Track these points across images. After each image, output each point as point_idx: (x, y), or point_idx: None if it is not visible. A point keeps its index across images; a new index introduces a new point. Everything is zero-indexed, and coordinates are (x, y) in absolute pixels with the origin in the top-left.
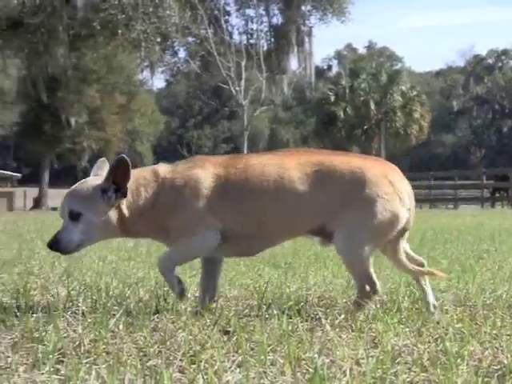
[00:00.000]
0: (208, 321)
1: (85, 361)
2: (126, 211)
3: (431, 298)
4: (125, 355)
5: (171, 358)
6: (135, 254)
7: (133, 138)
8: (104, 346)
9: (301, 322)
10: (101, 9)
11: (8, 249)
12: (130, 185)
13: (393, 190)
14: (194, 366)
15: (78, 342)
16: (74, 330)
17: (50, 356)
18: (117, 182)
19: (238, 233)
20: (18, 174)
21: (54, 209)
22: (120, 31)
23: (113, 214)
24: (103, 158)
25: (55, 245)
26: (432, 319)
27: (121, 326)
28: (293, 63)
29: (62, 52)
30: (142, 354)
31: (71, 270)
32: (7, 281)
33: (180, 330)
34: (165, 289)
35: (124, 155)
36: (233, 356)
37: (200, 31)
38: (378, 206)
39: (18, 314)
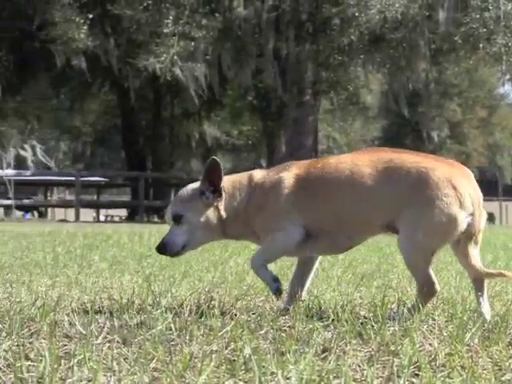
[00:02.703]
0: None
1: (439, 374)
2: (223, 213)
3: (485, 309)
4: (479, 369)
5: None
6: (494, 269)
7: (493, 151)
8: (459, 360)
9: None
10: (462, 23)
11: (368, 262)
12: (228, 188)
13: (454, 193)
14: None
15: (433, 356)
16: (430, 344)
17: (405, 370)
18: (212, 182)
19: (321, 229)
20: None
21: None
22: (481, 45)
23: (212, 215)
24: None
25: (162, 248)
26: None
27: (476, 340)
28: None
29: (424, 67)
30: (497, 368)
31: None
32: (365, 294)
33: None
34: None
35: (215, 157)
36: None
37: None
38: (435, 207)
39: (374, 327)
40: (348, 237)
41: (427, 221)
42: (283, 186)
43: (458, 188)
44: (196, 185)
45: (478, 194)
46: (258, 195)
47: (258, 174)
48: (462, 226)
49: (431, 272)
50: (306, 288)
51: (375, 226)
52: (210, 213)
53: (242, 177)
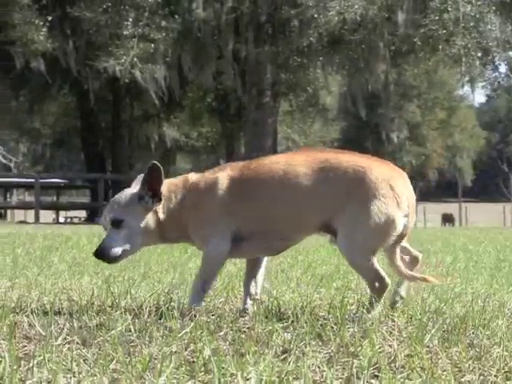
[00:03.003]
0: None
1: (399, 376)
2: (162, 216)
3: (403, 290)
4: (439, 370)
5: (485, 374)
6: (453, 270)
7: (453, 153)
8: (418, 362)
9: None
10: (421, 24)
11: (327, 263)
12: (164, 192)
13: (392, 194)
14: (508, 382)
15: (392, 357)
16: (390, 345)
17: (365, 371)
18: (151, 187)
19: (255, 231)
20: None
21: None
22: (440, 47)
23: (151, 220)
24: (142, 174)
25: (100, 253)
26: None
27: (436, 342)
28: None
29: (383, 68)
30: (456, 369)
31: None
32: (325, 295)
33: (495, 346)
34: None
35: (156, 162)
36: None
37: None
38: (373, 206)
39: (334, 328)
40: (283, 238)
41: (365, 220)
42: (217, 188)
43: (396, 189)
44: (133, 190)
45: (412, 196)
46: (192, 196)
47: (194, 176)
48: (400, 226)
49: (378, 267)
50: (260, 287)
51: (311, 226)
52: (149, 217)
53: (178, 179)
